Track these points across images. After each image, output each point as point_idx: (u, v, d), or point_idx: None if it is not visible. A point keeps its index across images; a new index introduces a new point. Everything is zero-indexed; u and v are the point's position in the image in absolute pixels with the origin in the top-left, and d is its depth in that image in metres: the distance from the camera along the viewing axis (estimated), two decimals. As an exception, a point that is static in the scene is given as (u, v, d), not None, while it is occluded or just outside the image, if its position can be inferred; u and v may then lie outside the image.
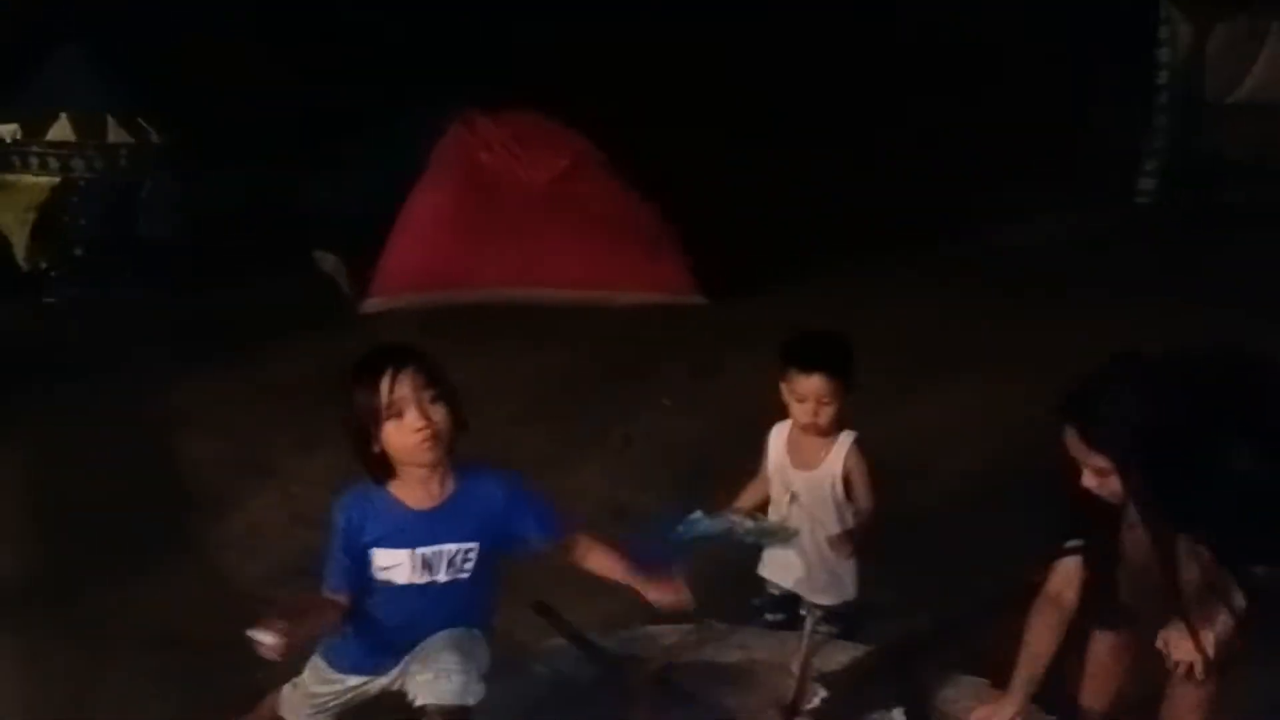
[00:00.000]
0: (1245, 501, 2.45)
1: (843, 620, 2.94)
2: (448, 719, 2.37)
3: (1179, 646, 2.53)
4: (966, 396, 5.19)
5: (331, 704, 2.66)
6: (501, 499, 2.53)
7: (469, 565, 2.52)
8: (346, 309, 6.68)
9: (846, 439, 2.91)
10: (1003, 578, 3.13)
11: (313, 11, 8.83)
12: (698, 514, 2.84)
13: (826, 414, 2.85)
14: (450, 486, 2.51)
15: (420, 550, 2.48)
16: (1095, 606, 2.69)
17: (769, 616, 3.02)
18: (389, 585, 2.50)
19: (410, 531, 2.48)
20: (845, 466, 2.90)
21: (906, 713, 2.60)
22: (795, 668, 2.67)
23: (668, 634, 2.88)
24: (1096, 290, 6.61)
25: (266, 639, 2.22)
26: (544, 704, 2.64)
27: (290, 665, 2.83)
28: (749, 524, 2.86)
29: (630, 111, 7.39)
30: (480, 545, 2.51)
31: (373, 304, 6.67)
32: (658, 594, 2.55)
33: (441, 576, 2.50)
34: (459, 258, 6.77)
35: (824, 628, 2.86)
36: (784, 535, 2.86)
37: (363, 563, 2.50)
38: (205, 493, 4.32)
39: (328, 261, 7.34)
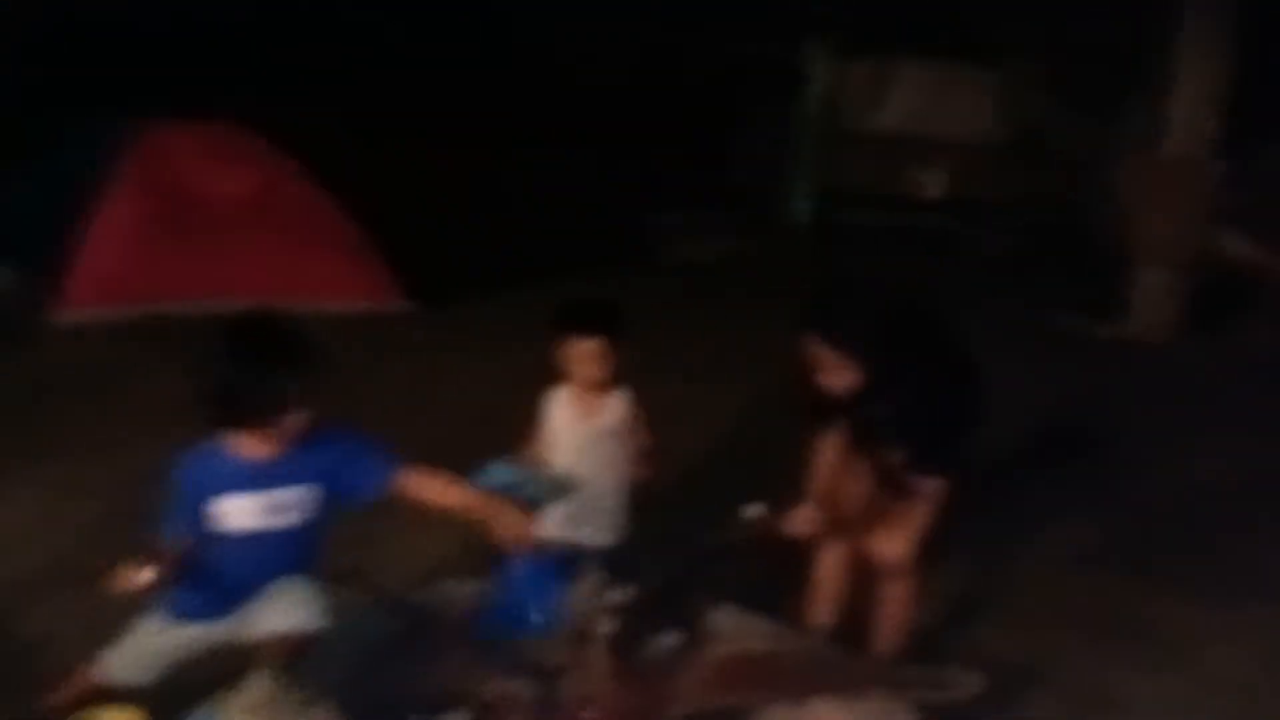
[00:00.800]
0: (927, 415, 3.08)
1: (616, 564, 3.33)
2: (295, 648, 2.56)
3: (885, 544, 3.12)
4: (678, 390, 5.73)
5: (168, 656, 2.76)
6: (337, 449, 2.75)
7: (308, 511, 2.72)
8: (30, 321, 6.39)
9: (622, 393, 3.33)
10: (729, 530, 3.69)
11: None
12: (496, 464, 3.12)
13: (607, 369, 3.24)
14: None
15: (263, 495, 2.67)
16: None
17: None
18: (232, 532, 2.67)
19: (253, 480, 2.67)
20: (627, 415, 3.32)
21: (681, 633, 3.05)
22: (582, 605, 3.05)
23: (462, 588, 3.18)
24: (757, 298, 7.42)
25: (145, 575, 2.37)
26: (357, 657, 2.87)
27: (76, 642, 2.93)
28: (542, 475, 3.19)
29: (327, 120, 7.50)
30: (318, 492, 2.72)
31: (65, 315, 6.41)
32: (506, 524, 2.83)
33: (281, 521, 2.69)
34: (153, 269, 6.62)
35: (602, 573, 3.26)
36: (570, 486, 3.21)
37: (205, 513, 2.65)
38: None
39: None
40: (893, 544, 3.19)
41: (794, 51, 9.63)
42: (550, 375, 3.41)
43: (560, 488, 3.20)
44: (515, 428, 3.43)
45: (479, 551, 3.24)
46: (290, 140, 7.17)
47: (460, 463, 3.15)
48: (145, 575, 2.42)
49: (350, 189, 7.15)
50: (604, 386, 3.30)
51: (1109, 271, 7.94)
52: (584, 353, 3.23)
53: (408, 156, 8.39)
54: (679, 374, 5.94)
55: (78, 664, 2.88)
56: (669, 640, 3.03)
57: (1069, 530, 4.62)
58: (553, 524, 3.36)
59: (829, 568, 3.44)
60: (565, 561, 3.31)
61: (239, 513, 2.68)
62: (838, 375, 3.04)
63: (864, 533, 3.27)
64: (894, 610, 3.32)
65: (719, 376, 5.97)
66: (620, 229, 8.69)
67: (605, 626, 2.97)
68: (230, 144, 7.13)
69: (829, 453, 3.33)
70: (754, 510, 3.26)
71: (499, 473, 3.07)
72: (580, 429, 3.31)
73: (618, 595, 3.09)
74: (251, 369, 2.61)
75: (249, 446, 2.68)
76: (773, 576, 3.59)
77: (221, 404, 2.64)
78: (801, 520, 3.26)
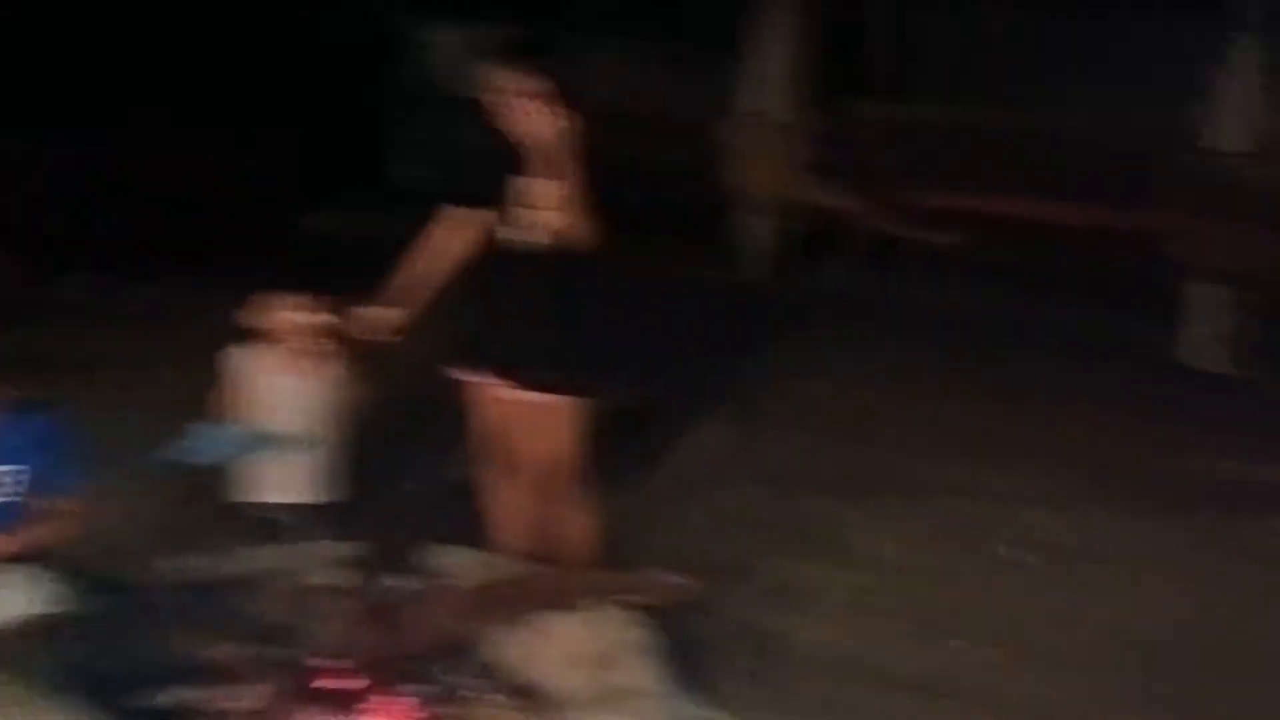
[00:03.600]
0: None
1: (326, 523, 3.35)
2: (23, 635, 2.41)
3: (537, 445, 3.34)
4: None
5: None
6: (40, 433, 2.59)
7: (20, 488, 2.55)
8: None
9: (331, 350, 3.33)
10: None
11: None
12: (203, 428, 3.04)
13: (319, 326, 3.24)
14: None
15: None
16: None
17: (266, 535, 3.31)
18: None
19: None
20: (338, 371, 3.34)
21: (416, 576, 3.12)
22: (310, 562, 3.05)
23: (172, 563, 3.08)
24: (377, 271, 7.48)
25: None
26: (84, 640, 2.72)
27: None
28: (252, 432, 3.16)
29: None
30: (30, 470, 2.56)
31: None
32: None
33: None
34: None
35: (314, 531, 3.27)
36: (282, 441, 3.19)
37: None
38: None
39: None
40: (545, 476, 3.45)
41: (389, 22, 9.63)
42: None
43: (273, 443, 3.17)
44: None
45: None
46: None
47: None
48: None
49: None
50: (314, 345, 3.28)
51: (720, 223, 8.64)
52: (294, 310, 3.22)
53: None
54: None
55: None
56: (400, 584, 3.09)
57: (710, 443, 5.15)
58: (266, 491, 3.34)
59: (505, 501, 3.62)
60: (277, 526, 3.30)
61: None
62: (528, 110, 3.18)
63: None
64: (574, 533, 3.56)
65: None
66: (256, 211, 8.40)
67: (336, 578, 2.99)
68: None
69: (451, 241, 3.41)
70: None
71: (209, 435, 3.01)
72: (293, 388, 3.29)
73: (344, 547, 3.12)
74: None
75: None
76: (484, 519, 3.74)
77: None
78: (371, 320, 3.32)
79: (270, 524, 3.34)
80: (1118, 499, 4.80)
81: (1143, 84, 8.23)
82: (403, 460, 4.52)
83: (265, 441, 3.18)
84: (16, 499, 2.61)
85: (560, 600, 3.12)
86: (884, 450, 5.23)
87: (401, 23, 9.84)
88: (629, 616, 3.03)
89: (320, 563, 3.03)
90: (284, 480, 3.32)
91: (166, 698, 2.71)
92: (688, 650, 3.37)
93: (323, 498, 3.38)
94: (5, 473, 2.59)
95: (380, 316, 3.35)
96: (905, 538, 4.37)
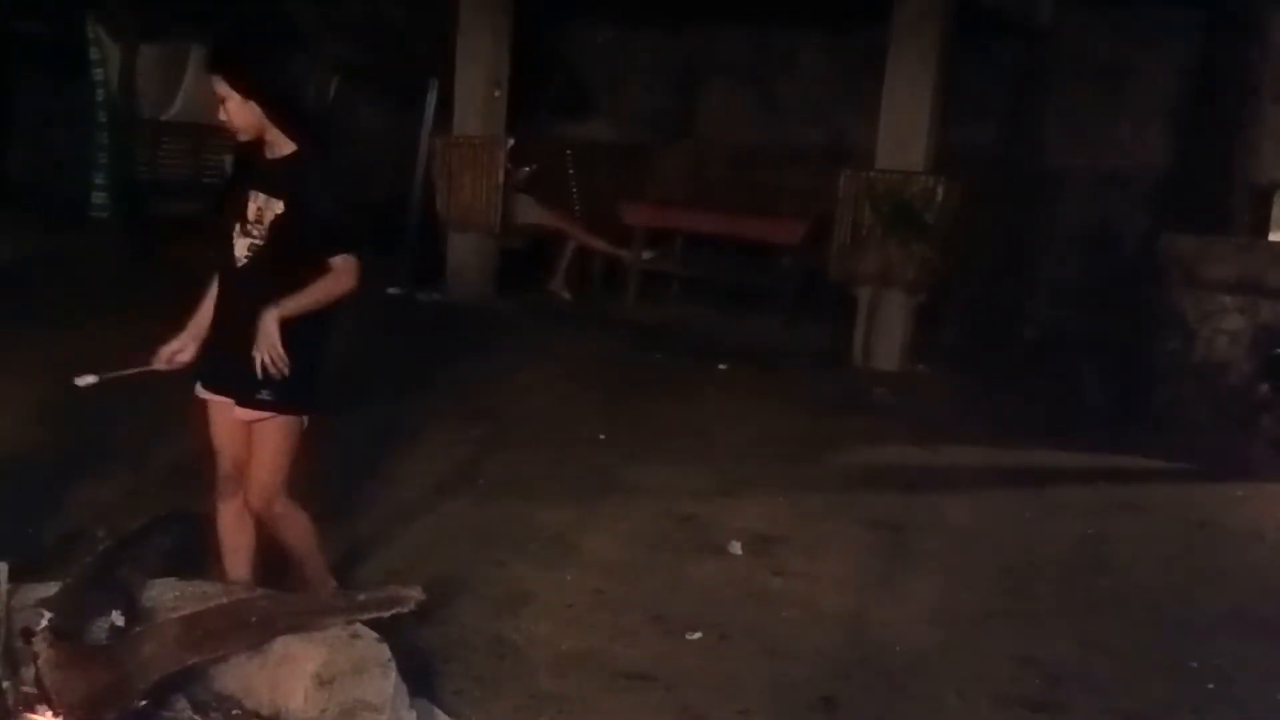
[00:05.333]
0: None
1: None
2: None
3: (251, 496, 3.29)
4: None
5: None
6: None
7: None
8: None
9: None
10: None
11: None
12: None
13: None
14: None
15: None
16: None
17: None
18: None
19: None
20: None
21: (123, 613, 2.94)
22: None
23: None
24: (63, 297, 7.10)
25: None
26: None
27: None
28: None
29: None
30: None
31: None
32: None
33: None
34: None
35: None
36: None
37: None
38: None
39: None
40: (253, 495, 3.35)
41: (73, 31, 8.98)
42: None
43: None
44: None
45: None
46: None
47: None
48: None
49: None
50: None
51: (425, 243, 8.60)
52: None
53: None
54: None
55: None
56: (113, 620, 2.91)
57: (439, 456, 5.19)
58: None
59: (227, 524, 3.48)
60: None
61: None
62: (228, 110, 3.09)
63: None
64: (297, 551, 3.46)
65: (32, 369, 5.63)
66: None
67: (44, 619, 2.78)
68: None
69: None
70: (85, 380, 3.22)
71: None
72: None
73: (32, 596, 2.89)
74: None
75: None
76: (196, 547, 3.56)
77: None
78: (167, 355, 3.28)
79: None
80: (798, 486, 5.18)
81: (817, 103, 8.85)
82: (126, 490, 4.29)
83: None
84: None
85: (293, 623, 3.03)
86: (588, 456, 5.40)
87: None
88: (363, 632, 2.97)
89: (13, 607, 2.80)
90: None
91: None
92: (424, 661, 3.36)
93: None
94: None
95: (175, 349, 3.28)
96: (624, 537, 4.50)
